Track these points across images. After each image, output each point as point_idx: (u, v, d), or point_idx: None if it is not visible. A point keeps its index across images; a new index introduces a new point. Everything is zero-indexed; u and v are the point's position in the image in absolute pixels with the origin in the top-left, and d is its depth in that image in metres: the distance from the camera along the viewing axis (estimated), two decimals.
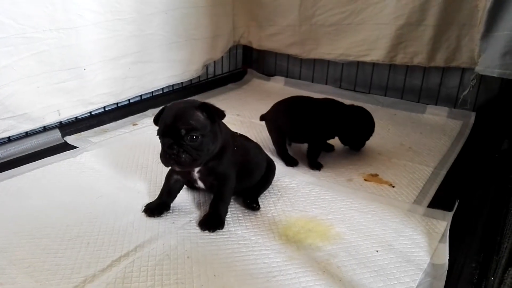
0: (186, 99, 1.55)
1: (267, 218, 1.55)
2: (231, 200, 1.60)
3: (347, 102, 2.72)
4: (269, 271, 1.28)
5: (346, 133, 1.99)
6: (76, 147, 2.07)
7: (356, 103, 2.72)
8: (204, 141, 1.37)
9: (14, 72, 1.90)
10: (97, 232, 1.43)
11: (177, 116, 1.35)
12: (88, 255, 1.32)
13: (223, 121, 1.48)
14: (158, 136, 1.40)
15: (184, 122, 1.34)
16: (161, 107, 1.46)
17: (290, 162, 1.96)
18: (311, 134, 1.94)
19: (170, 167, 1.46)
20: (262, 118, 2.07)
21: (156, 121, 1.44)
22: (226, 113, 1.44)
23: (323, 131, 1.94)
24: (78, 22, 2.07)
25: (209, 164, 1.47)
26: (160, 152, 1.39)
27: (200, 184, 1.56)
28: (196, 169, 1.48)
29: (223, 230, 1.46)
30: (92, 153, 2.00)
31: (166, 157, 1.37)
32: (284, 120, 1.99)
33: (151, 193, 1.68)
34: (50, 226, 1.45)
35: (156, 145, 1.41)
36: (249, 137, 1.75)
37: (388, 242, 1.42)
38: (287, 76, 3.24)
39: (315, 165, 1.92)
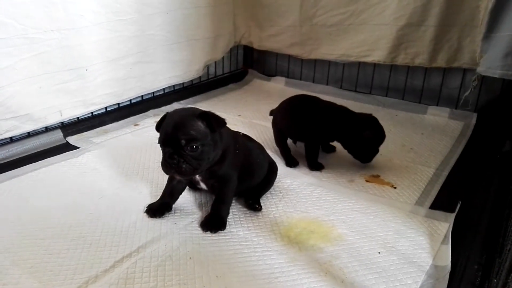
0: (187, 107, 1.55)
1: (269, 219, 1.55)
2: (233, 201, 1.60)
3: (348, 102, 2.76)
4: (271, 272, 1.28)
5: (349, 141, 1.92)
6: (78, 148, 2.07)
7: (357, 104, 2.76)
8: (204, 150, 1.37)
9: (15, 73, 1.90)
10: (99, 233, 1.43)
11: (178, 126, 1.35)
12: (91, 256, 1.32)
13: None
14: (159, 144, 1.40)
15: (184, 132, 1.34)
16: (163, 114, 1.46)
17: (289, 162, 1.97)
18: (305, 134, 1.94)
19: None
20: (270, 113, 2.09)
21: (158, 128, 1.44)
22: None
23: (317, 133, 1.91)
24: (79, 22, 2.07)
25: (211, 168, 1.47)
26: (161, 160, 1.40)
27: (202, 185, 1.56)
28: None
29: (225, 231, 1.47)
30: (93, 153, 2.00)
31: (167, 166, 1.38)
32: (283, 116, 2.00)
33: (153, 194, 1.68)
34: (52, 226, 1.45)
35: (158, 146, 1.41)
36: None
37: (390, 243, 1.42)
38: (287, 77, 3.24)
39: (314, 166, 1.92)
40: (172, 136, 1.35)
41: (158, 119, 1.46)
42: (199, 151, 1.36)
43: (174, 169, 1.37)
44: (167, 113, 1.45)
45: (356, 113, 1.92)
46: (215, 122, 1.39)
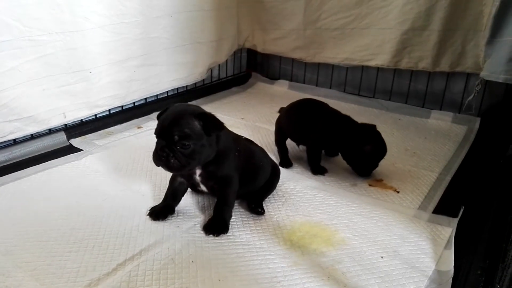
0: (191, 104, 1.55)
1: (271, 222, 1.55)
2: (236, 205, 1.60)
3: (351, 106, 2.77)
4: (274, 276, 1.27)
5: (348, 152, 1.89)
6: (81, 150, 2.07)
7: (360, 108, 2.76)
8: (196, 149, 1.37)
9: (20, 75, 1.90)
10: (102, 235, 1.43)
11: (174, 121, 1.36)
12: (93, 259, 1.32)
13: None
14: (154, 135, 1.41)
15: (178, 129, 1.35)
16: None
17: (284, 162, 1.98)
18: (306, 138, 1.95)
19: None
20: (279, 111, 2.10)
21: (159, 118, 1.45)
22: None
23: (317, 139, 1.91)
24: (84, 25, 2.08)
25: (209, 169, 1.47)
26: (153, 150, 1.41)
27: (202, 187, 1.56)
28: (197, 173, 1.49)
29: (227, 234, 1.47)
30: (97, 155, 2.01)
31: (156, 158, 1.40)
32: (287, 117, 2.01)
33: (155, 197, 1.68)
34: (55, 229, 1.45)
35: None
36: (253, 141, 1.76)
37: (393, 248, 1.42)
38: (291, 80, 3.25)
39: (317, 171, 1.92)
40: (167, 129, 1.36)
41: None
42: (190, 150, 1.36)
43: (163, 162, 1.38)
44: (172, 105, 1.46)
45: (359, 124, 1.89)
46: (212, 125, 1.39)
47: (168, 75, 2.63)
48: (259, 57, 3.44)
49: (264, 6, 3.08)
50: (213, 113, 1.44)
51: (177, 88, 2.79)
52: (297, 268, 1.31)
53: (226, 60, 3.14)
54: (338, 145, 1.92)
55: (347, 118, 1.92)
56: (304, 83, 3.19)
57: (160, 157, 1.38)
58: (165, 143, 1.37)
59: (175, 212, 1.57)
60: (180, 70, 2.69)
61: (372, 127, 1.87)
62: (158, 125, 1.41)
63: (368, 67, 2.85)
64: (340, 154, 1.98)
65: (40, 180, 1.79)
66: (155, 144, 1.40)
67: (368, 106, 2.80)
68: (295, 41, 3.05)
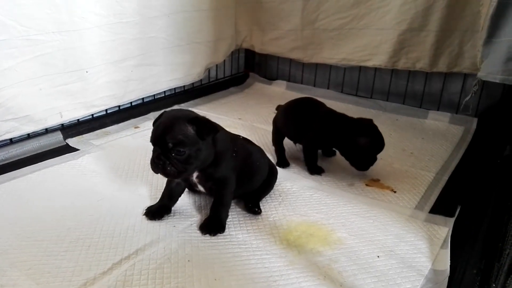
0: (184, 109, 1.55)
1: (268, 222, 1.54)
2: (232, 204, 1.60)
3: (349, 106, 2.77)
4: (270, 276, 1.27)
5: (345, 147, 1.87)
6: (77, 150, 2.07)
7: (358, 108, 2.76)
8: (191, 155, 1.36)
9: (17, 74, 1.90)
10: (98, 235, 1.43)
11: (167, 129, 1.36)
12: (89, 258, 1.32)
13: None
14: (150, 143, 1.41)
15: (172, 136, 1.34)
16: (162, 111, 1.47)
17: (281, 162, 1.98)
18: (302, 137, 1.95)
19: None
20: (277, 108, 2.10)
21: (154, 124, 1.45)
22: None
23: (313, 138, 1.91)
24: (82, 24, 2.08)
25: (207, 171, 1.47)
26: (150, 158, 1.41)
27: (200, 188, 1.56)
28: (194, 175, 1.49)
29: (224, 234, 1.46)
30: (93, 155, 2.00)
31: (154, 165, 1.40)
32: (283, 115, 2.02)
33: (152, 196, 1.68)
34: (51, 228, 1.45)
35: None
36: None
37: (389, 247, 1.42)
38: (289, 80, 3.25)
39: (314, 171, 1.92)
40: (161, 137, 1.36)
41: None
42: (185, 156, 1.36)
43: (160, 169, 1.38)
44: (165, 111, 1.46)
45: (355, 119, 1.88)
46: (205, 130, 1.38)
47: (165, 75, 2.63)
48: (257, 58, 3.44)
49: (262, 6, 3.08)
50: (209, 115, 1.43)
51: (175, 88, 2.79)
52: (293, 267, 1.31)
53: (224, 60, 3.14)
54: (334, 141, 1.90)
55: (343, 116, 1.91)
56: (301, 83, 3.19)
57: (157, 165, 1.38)
58: (160, 151, 1.37)
59: (172, 211, 1.57)
60: (178, 70, 2.69)
61: (369, 121, 1.87)
62: (152, 133, 1.41)
63: (365, 68, 2.86)
64: (337, 153, 1.99)
65: (37, 179, 1.78)
66: (152, 152, 1.40)
67: (365, 107, 2.80)
68: (293, 41, 3.05)
